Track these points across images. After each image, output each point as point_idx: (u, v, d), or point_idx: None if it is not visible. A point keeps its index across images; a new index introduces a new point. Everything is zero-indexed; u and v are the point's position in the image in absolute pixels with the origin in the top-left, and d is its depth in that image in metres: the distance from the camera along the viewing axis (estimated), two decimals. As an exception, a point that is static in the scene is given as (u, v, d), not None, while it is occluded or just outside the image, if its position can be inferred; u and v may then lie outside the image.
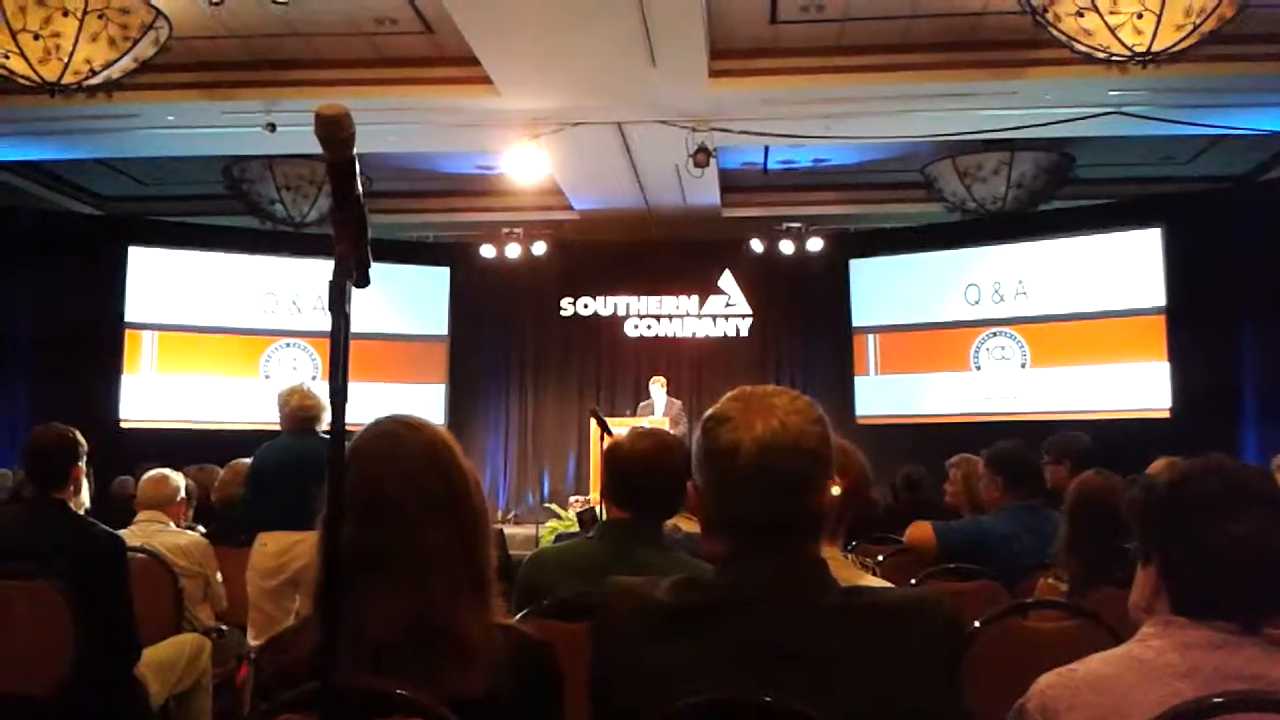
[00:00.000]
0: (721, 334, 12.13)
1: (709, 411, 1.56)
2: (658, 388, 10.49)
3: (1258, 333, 9.46)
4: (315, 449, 4.86)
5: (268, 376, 10.99)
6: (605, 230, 11.63)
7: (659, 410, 10.22)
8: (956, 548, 3.82)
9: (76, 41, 5.86)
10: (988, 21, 7.16)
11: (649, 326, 12.20)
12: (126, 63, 6.12)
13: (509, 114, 8.15)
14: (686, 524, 3.12)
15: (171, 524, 4.67)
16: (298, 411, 5.01)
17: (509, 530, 9.65)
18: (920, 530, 3.97)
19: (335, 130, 1.20)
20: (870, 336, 11.51)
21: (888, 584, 2.38)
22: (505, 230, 11.52)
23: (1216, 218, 9.66)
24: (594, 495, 8.78)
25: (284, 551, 4.78)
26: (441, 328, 12.09)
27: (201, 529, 5.28)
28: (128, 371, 10.73)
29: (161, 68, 6.86)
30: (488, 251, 11.65)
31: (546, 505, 11.15)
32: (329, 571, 1.50)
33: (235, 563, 4.83)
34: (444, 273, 12.12)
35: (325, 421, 4.95)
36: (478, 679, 1.53)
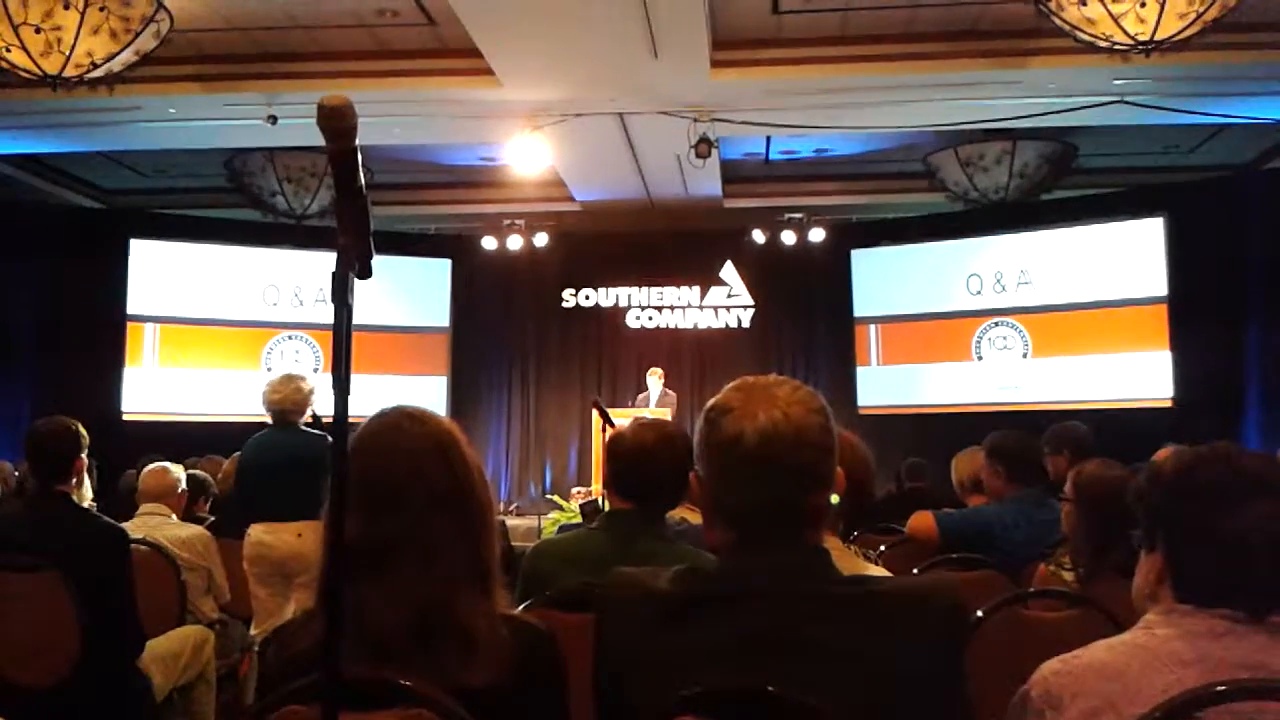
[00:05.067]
0: (723, 325, 12.10)
1: (711, 401, 1.56)
2: (654, 379, 10.50)
3: (1260, 322, 9.42)
4: (289, 443, 4.89)
5: (270, 369, 10.97)
6: (607, 221, 11.61)
7: (654, 401, 10.24)
8: (958, 537, 3.82)
9: (78, 34, 5.85)
10: (991, 11, 7.13)
11: (650, 318, 12.18)
12: (127, 55, 6.10)
13: (511, 105, 8.13)
14: (690, 515, 3.12)
15: (173, 516, 4.68)
16: (267, 405, 5.04)
17: (511, 522, 9.63)
18: (922, 520, 3.97)
19: (338, 121, 1.20)
20: (872, 327, 11.49)
21: (889, 574, 2.38)
22: (507, 222, 11.50)
23: (1220, 207, 9.62)
24: (596, 486, 8.79)
25: (261, 541, 4.82)
26: (443, 319, 12.05)
27: (212, 519, 5.32)
28: (130, 364, 10.72)
29: (162, 60, 6.84)
30: (489, 243, 11.64)
31: (549, 497, 11.15)
32: (333, 563, 1.50)
33: (238, 554, 4.84)
34: (445, 264, 12.08)
35: (301, 412, 4.99)
36: (482, 670, 1.53)
